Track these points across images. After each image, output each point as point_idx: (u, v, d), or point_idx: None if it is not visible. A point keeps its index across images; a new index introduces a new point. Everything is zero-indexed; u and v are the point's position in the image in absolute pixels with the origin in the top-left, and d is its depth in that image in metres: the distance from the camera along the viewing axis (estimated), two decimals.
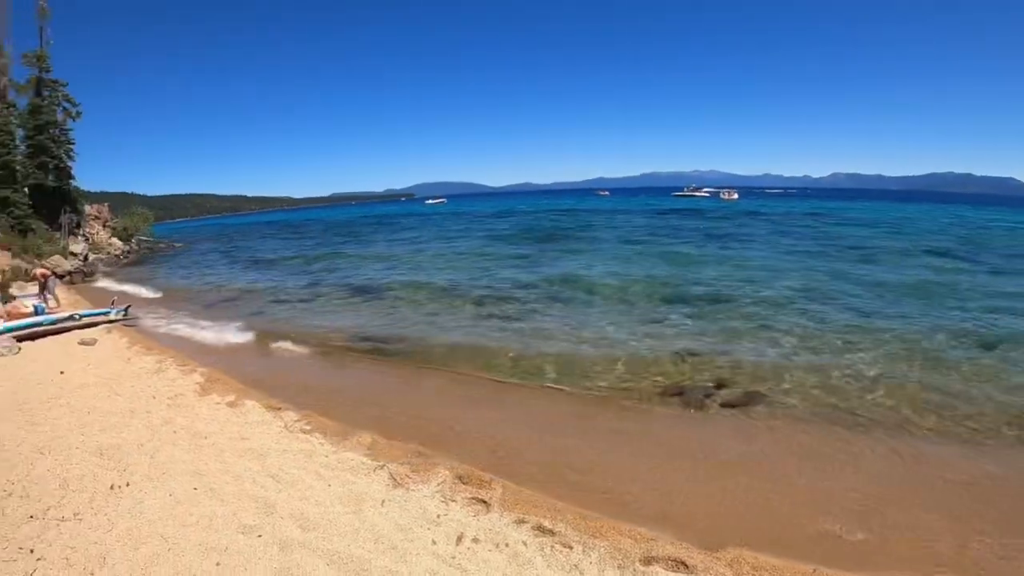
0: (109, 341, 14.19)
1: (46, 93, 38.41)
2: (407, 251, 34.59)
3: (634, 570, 4.81)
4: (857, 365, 10.38)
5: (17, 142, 36.19)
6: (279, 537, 5.14)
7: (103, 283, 27.60)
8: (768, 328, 12.84)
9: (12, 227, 31.39)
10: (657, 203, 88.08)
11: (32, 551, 4.79)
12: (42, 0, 39.79)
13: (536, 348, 12.16)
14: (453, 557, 4.92)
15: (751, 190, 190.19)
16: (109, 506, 5.64)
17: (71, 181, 40.93)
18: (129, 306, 17.97)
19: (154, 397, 9.52)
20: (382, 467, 6.70)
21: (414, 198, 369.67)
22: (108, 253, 42.38)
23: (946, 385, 9.44)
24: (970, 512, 5.89)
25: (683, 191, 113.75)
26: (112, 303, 18.11)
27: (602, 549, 5.05)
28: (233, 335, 14.74)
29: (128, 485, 6.15)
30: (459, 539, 5.18)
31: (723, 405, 8.93)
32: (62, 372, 11.01)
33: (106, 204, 52.63)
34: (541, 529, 5.36)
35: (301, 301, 20.16)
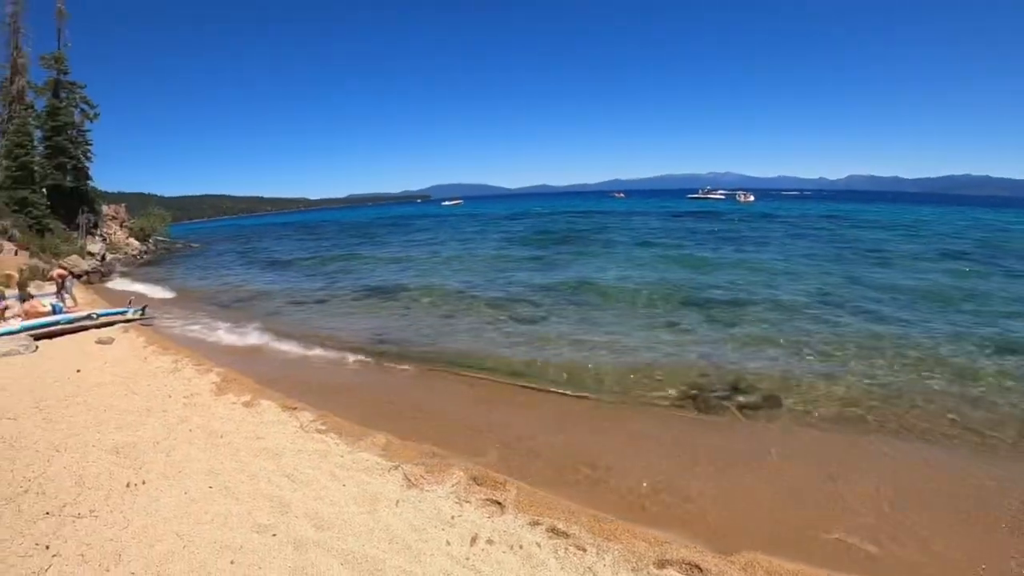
0: (126, 340, 14.28)
1: (64, 95, 38.76)
2: (422, 253, 34.62)
3: (648, 573, 4.77)
4: (873, 371, 10.25)
5: (35, 143, 36.61)
6: (294, 536, 5.13)
7: (120, 283, 27.81)
8: (784, 333, 12.70)
9: (30, 227, 31.72)
10: (672, 205, 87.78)
11: (48, 547, 4.81)
12: (60, 2, 40.15)
13: (550, 351, 12.11)
14: (467, 558, 4.90)
15: (767, 192, 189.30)
16: (125, 503, 5.66)
17: (88, 182, 41.31)
18: (146, 306, 18.10)
19: (170, 396, 9.56)
20: (397, 467, 6.69)
21: (430, 199, 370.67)
22: (125, 253, 42.76)
23: (964, 392, 9.28)
24: (988, 523, 5.79)
25: (698, 193, 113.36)
26: (129, 303, 18.24)
27: (616, 552, 5.01)
28: (249, 336, 14.79)
29: (144, 483, 6.17)
30: (473, 540, 5.16)
31: (738, 410, 8.86)
32: (79, 370, 11.08)
33: (123, 204, 53.16)
34: (555, 531, 5.32)
35: (317, 302, 20.20)
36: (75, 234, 37.25)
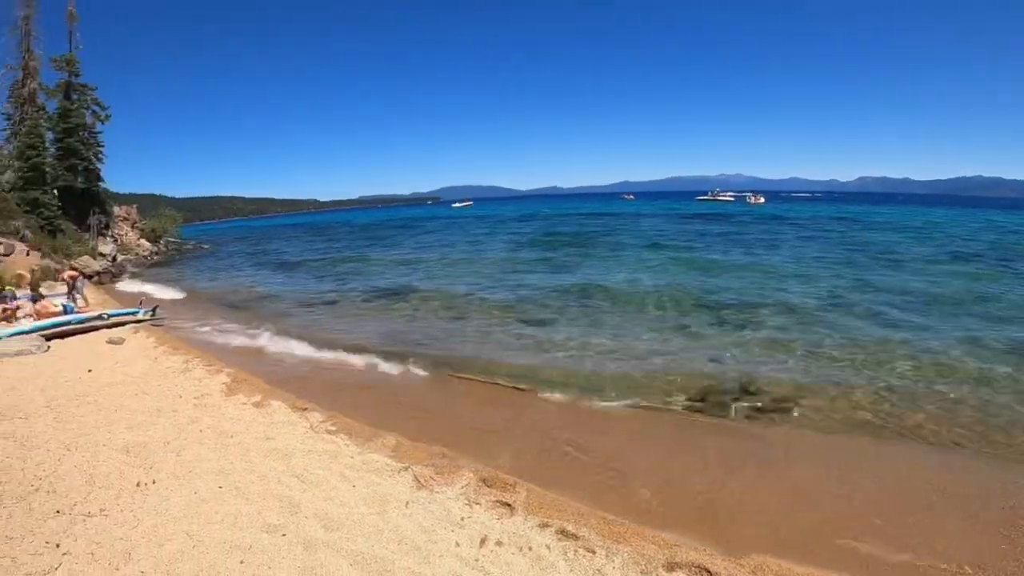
0: (136, 341, 14.34)
1: (75, 97, 38.95)
2: (431, 255, 34.66)
3: None
4: (884, 376, 10.14)
5: (47, 145, 36.81)
6: (303, 537, 5.13)
7: (131, 283, 27.93)
8: (795, 337, 12.59)
9: (42, 228, 31.90)
10: (682, 207, 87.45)
11: (58, 545, 4.82)
12: (71, 5, 40.42)
13: (558, 355, 12.09)
14: (476, 560, 4.88)
15: (777, 194, 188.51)
16: (135, 503, 5.67)
17: (100, 183, 41.53)
18: (157, 306, 18.18)
19: (180, 396, 9.59)
20: (406, 469, 6.68)
21: (440, 201, 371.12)
22: (136, 254, 43.00)
23: (978, 399, 9.12)
24: (997, 528, 5.72)
25: (707, 195, 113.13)
26: (140, 303, 18.34)
27: (625, 554, 4.98)
28: (260, 337, 14.83)
29: (154, 482, 6.19)
30: (482, 542, 5.14)
31: (748, 415, 8.79)
32: (90, 370, 11.13)
33: (135, 206, 53.52)
34: (565, 533, 5.30)
35: (326, 304, 20.24)
36: (86, 235, 37.48)
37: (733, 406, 9.02)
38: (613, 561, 4.89)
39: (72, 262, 27.19)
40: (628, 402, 9.35)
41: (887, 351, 11.41)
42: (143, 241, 48.06)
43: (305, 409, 8.92)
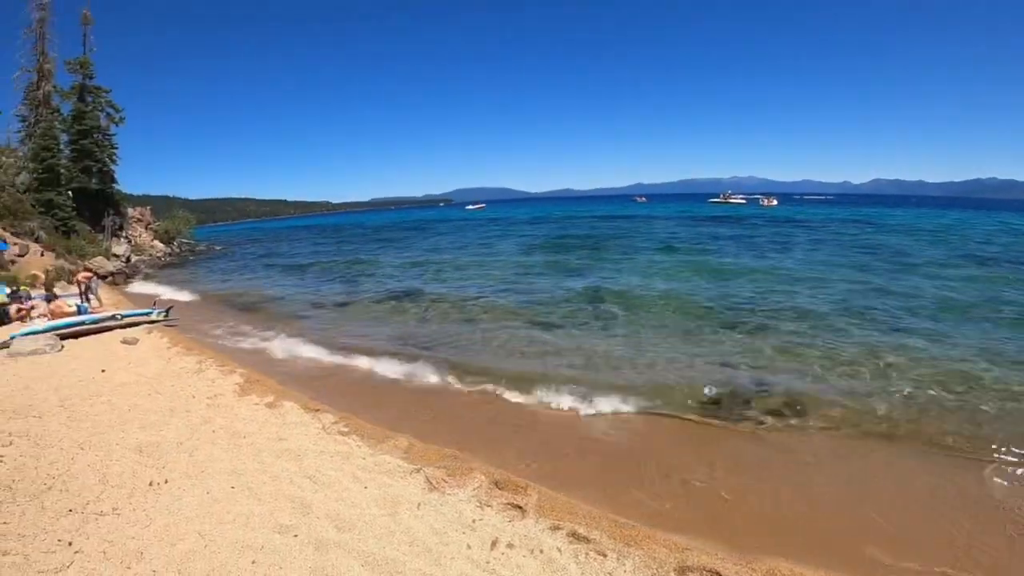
0: (150, 341, 14.41)
1: (89, 99, 39.25)
2: (443, 257, 34.61)
3: None
4: (902, 384, 9.94)
5: (61, 146, 37.14)
6: (315, 537, 5.13)
7: (144, 284, 28.11)
8: (808, 343, 12.39)
9: (56, 228, 32.19)
10: (695, 210, 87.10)
11: (70, 543, 4.84)
12: (85, 7, 40.78)
13: (569, 359, 11.98)
14: (487, 562, 4.86)
15: (790, 196, 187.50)
16: (148, 502, 5.69)
17: (114, 184, 41.91)
18: (171, 307, 18.28)
19: (193, 397, 9.62)
20: (418, 470, 6.67)
21: (452, 203, 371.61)
22: (150, 255, 43.33)
23: (996, 407, 8.89)
24: (1017, 544, 5.64)
25: (719, 197, 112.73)
26: (154, 304, 18.45)
27: (637, 558, 4.96)
28: (272, 338, 14.85)
29: (167, 482, 6.21)
30: (494, 544, 5.12)
31: (760, 419, 8.70)
32: (103, 370, 11.19)
33: (148, 207, 53.87)
34: (576, 536, 5.28)
35: (338, 306, 20.26)
36: (100, 236, 37.80)
37: (745, 412, 8.93)
38: (624, 564, 4.86)
39: (86, 263, 27.38)
40: (639, 406, 9.27)
41: (903, 357, 11.21)
42: (156, 242, 48.41)
43: (317, 410, 8.92)
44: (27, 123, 38.66)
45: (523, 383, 10.36)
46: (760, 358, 11.59)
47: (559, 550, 5.05)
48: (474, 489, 6.21)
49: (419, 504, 5.85)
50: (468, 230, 62.87)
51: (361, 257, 37.95)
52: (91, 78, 39.57)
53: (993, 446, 7.63)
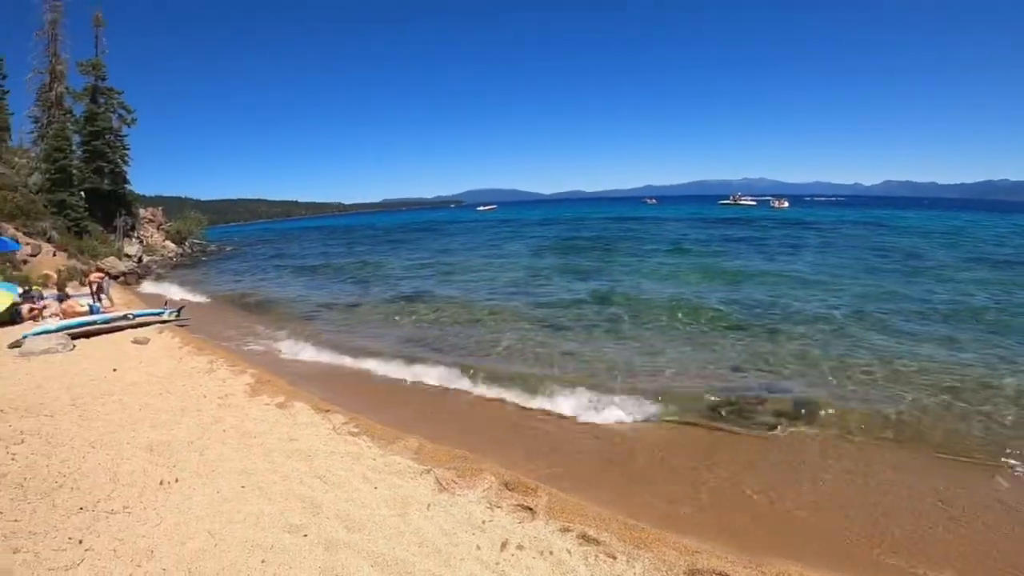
0: (161, 341, 14.47)
1: (102, 100, 39.49)
2: (454, 259, 34.61)
3: None
4: (915, 391, 9.81)
5: (74, 147, 37.41)
6: (325, 537, 5.11)
7: (155, 285, 28.18)
8: (820, 348, 12.21)
9: (69, 229, 32.44)
10: (705, 211, 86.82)
11: (81, 541, 4.85)
12: (97, 9, 41.10)
13: (578, 363, 11.92)
14: (497, 563, 4.84)
15: (801, 198, 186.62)
16: (158, 501, 5.70)
17: (126, 185, 42.19)
18: (182, 307, 18.35)
19: (204, 396, 9.65)
20: (428, 471, 6.65)
21: (463, 205, 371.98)
22: (161, 255, 43.55)
23: (1015, 414, 8.79)
24: (1017, 552, 5.58)
25: (729, 199, 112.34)
26: (165, 304, 18.51)
27: (646, 560, 4.92)
28: (283, 339, 14.90)
29: (177, 481, 6.21)
30: (503, 545, 5.10)
31: (771, 424, 8.63)
32: (115, 370, 11.24)
33: (160, 208, 54.14)
34: (586, 538, 5.25)
35: (349, 307, 20.27)
36: (112, 236, 38.03)
37: (756, 416, 8.88)
38: (634, 567, 4.83)
39: (98, 263, 27.54)
40: (650, 410, 9.22)
41: (915, 361, 11.07)
42: (168, 243, 48.65)
43: (328, 411, 8.92)
44: (40, 124, 39.03)
45: (533, 385, 10.32)
46: (771, 362, 11.50)
47: (569, 552, 5.02)
48: (484, 490, 6.19)
49: (429, 505, 5.84)
50: (479, 231, 62.92)
51: (372, 258, 37.93)
52: (103, 79, 39.83)
53: (1007, 451, 7.56)
